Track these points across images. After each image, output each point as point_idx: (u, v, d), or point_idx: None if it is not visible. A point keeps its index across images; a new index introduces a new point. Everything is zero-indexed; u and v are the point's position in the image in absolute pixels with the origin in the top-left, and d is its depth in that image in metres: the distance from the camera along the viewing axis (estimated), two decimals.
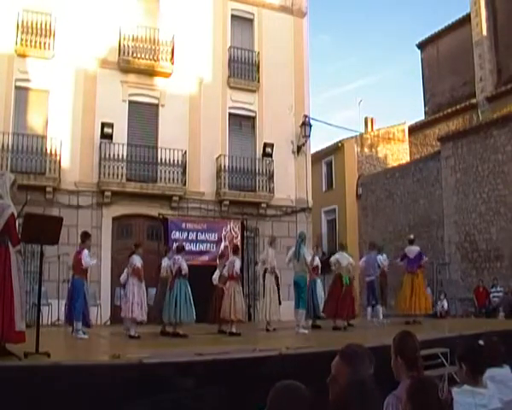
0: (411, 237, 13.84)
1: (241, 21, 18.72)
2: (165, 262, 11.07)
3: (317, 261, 12.10)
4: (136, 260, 10.14)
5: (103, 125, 15.40)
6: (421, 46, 29.92)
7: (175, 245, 12.56)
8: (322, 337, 9.96)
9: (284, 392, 2.06)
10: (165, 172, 16.23)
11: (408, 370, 2.82)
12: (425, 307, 12.60)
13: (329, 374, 2.48)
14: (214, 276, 11.50)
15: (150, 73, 16.72)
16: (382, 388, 2.94)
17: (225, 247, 14.77)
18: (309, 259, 10.94)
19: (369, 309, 13.46)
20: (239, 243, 15.99)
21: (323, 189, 27.52)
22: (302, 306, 10.74)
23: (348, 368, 2.35)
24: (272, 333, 10.96)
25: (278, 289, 11.56)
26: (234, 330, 10.26)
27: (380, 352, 3.14)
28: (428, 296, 13.63)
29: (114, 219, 15.91)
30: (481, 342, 3.68)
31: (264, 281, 11.61)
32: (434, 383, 2.32)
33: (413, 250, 12.98)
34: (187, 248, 13.89)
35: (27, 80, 15.45)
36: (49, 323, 12.55)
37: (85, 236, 10.03)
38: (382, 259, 13.70)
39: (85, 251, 9.80)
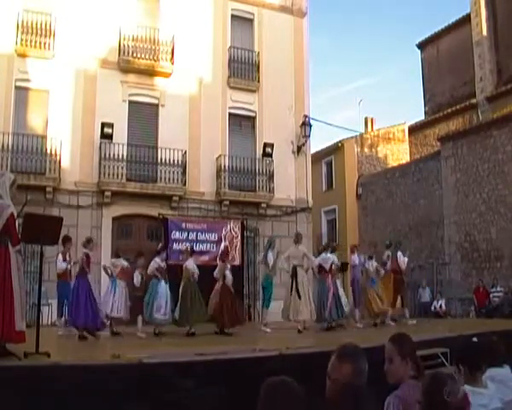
0: (387, 242, 13.88)
1: (241, 21, 18.71)
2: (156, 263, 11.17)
3: (332, 260, 11.69)
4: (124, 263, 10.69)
5: (103, 125, 15.39)
6: (421, 46, 29.91)
7: (175, 246, 12.62)
8: (322, 337, 9.96)
9: (277, 388, 2.04)
10: (165, 172, 16.23)
11: (411, 370, 2.81)
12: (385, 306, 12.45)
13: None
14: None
15: (150, 73, 16.72)
16: (381, 388, 2.95)
17: (225, 247, 14.77)
18: (271, 263, 11.35)
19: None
20: (239, 243, 16.04)
21: (323, 189, 27.51)
22: (266, 305, 11.53)
23: (351, 365, 2.35)
24: (272, 333, 10.95)
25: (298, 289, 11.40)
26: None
27: (378, 352, 3.14)
28: (385, 296, 12.81)
29: (114, 219, 15.91)
30: (475, 339, 3.69)
31: (295, 279, 10.99)
32: (453, 378, 2.33)
33: (386, 254, 13.20)
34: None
35: (27, 80, 15.45)
36: (49, 323, 12.54)
37: (65, 239, 9.95)
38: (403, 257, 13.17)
39: (59, 256, 10.00)
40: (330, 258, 11.61)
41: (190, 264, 10.66)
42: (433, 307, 18.56)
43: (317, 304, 11.28)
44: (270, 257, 11.45)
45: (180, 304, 10.33)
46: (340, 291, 11.98)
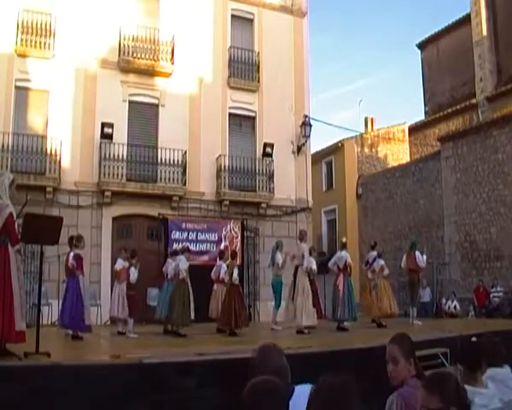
0: (372, 243, 13.91)
1: (241, 21, 18.72)
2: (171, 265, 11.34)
3: (346, 258, 11.53)
4: (117, 264, 10.63)
5: (103, 125, 15.39)
6: (421, 46, 29.92)
7: (175, 247, 12.67)
8: (322, 337, 9.95)
9: (261, 389, 1.99)
10: (165, 172, 16.23)
11: (413, 369, 2.82)
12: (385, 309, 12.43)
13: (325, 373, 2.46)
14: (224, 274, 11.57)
15: (150, 73, 16.72)
16: (382, 388, 2.95)
17: (225, 247, 14.80)
18: (280, 262, 11.28)
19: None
20: (239, 243, 16.04)
21: (323, 189, 27.52)
22: (277, 306, 11.49)
23: (256, 361, 2.39)
24: (272, 333, 10.95)
25: (314, 292, 11.25)
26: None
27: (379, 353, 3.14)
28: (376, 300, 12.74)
29: (114, 219, 15.90)
30: (474, 339, 3.70)
31: (294, 279, 10.83)
32: (454, 375, 2.33)
33: (371, 255, 13.20)
34: None
35: (27, 80, 15.45)
36: (49, 323, 12.54)
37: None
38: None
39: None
40: (344, 256, 11.54)
41: (181, 262, 10.53)
42: (447, 307, 18.63)
43: (332, 303, 11.45)
44: (279, 257, 11.33)
45: (170, 303, 10.32)
46: (353, 292, 11.67)
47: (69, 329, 9.32)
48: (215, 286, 12.15)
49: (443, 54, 28.27)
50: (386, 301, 12.36)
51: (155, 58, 16.68)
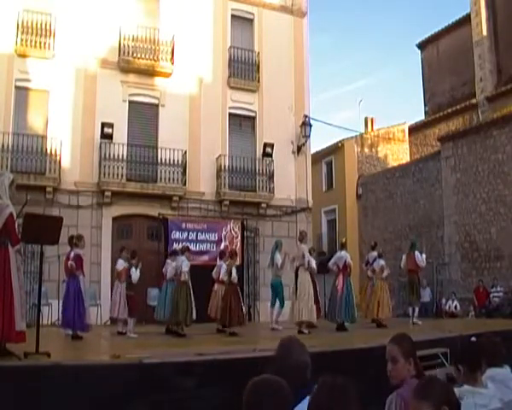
0: (372, 243, 13.92)
1: (241, 21, 18.71)
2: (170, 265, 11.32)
3: (345, 258, 11.63)
4: (119, 264, 10.63)
5: (103, 125, 15.38)
6: (421, 46, 29.93)
7: (175, 247, 12.66)
8: (322, 337, 9.95)
9: (262, 387, 1.98)
10: (165, 172, 16.22)
11: (413, 369, 2.81)
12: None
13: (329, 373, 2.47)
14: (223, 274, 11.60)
15: (150, 73, 16.71)
16: (382, 388, 2.95)
17: (226, 247, 14.79)
18: (279, 263, 11.30)
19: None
20: (239, 243, 16.04)
21: (323, 189, 27.54)
22: (280, 305, 11.50)
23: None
24: (273, 333, 10.95)
25: (315, 289, 11.35)
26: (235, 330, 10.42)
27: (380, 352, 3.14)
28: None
29: (114, 219, 15.89)
30: (473, 339, 3.70)
31: (296, 279, 10.90)
32: (441, 378, 2.32)
33: (372, 256, 13.22)
34: None
35: (27, 80, 15.44)
36: (49, 323, 12.53)
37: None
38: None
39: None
40: (344, 256, 11.56)
41: (183, 263, 10.52)
42: (447, 307, 18.66)
43: (329, 303, 11.54)
44: (278, 258, 11.38)
45: (172, 304, 10.31)
46: (352, 292, 11.70)
47: (70, 329, 9.32)
48: (215, 286, 12.15)
49: (443, 54, 28.28)
50: (377, 304, 12.33)
51: (155, 58, 16.67)
